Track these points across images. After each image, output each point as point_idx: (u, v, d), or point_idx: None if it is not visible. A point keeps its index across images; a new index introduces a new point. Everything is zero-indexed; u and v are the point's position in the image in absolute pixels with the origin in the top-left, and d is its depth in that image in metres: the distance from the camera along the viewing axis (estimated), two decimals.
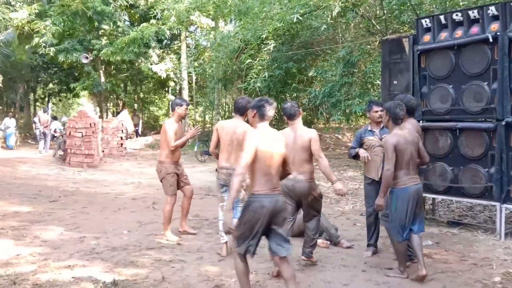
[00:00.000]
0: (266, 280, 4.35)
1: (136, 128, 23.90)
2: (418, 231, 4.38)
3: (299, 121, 4.65)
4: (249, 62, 13.24)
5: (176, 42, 23.68)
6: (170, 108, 5.85)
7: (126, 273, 4.54)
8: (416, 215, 4.37)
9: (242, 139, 4.14)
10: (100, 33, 21.54)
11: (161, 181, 5.94)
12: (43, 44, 18.84)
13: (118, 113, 22.99)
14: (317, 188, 4.67)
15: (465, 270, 4.56)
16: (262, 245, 5.45)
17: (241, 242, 3.57)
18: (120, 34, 20.54)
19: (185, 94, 21.37)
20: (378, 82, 11.21)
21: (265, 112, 3.67)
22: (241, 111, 5.09)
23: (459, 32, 5.98)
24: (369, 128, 5.20)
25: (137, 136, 23.40)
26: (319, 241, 5.46)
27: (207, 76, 18.89)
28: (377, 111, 5.14)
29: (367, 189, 5.21)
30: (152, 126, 30.21)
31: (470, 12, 5.90)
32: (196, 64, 19.46)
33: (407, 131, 4.41)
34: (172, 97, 23.83)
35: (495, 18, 5.64)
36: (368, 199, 5.18)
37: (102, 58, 20.39)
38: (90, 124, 13.90)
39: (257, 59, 13.10)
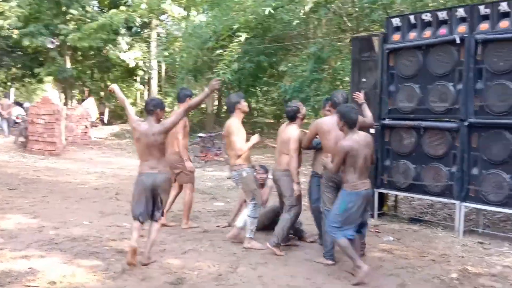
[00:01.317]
0: (228, 273, 4.32)
1: (102, 116, 23.40)
2: (363, 232, 4.52)
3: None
4: (220, 53, 13.13)
5: (146, 31, 23.24)
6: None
7: (85, 265, 4.43)
8: (364, 217, 4.49)
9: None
10: (67, 18, 20.89)
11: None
12: (7, 27, 18.18)
13: (83, 100, 22.41)
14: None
15: (424, 266, 4.66)
16: (226, 239, 5.43)
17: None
18: (88, 20, 19.98)
19: (154, 84, 21.05)
20: (348, 79, 11.30)
21: None
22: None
23: (427, 33, 6.07)
24: None
25: (102, 125, 22.91)
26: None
27: (177, 66, 18.63)
28: (329, 110, 5.13)
29: (312, 184, 5.22)
30: (119, 116, 29.63)
31: (439, 13, 5.99)
32: (166, 53, 19.14)
33: (362, 134, 4.42)
34: (141, 87, 23.40)
35: (463, 20, 5.75)
36: (312, 194, 5.21)
37: (68, 44, 19.81)
38: (54, 111, 13.49)
39: (228, 50, 12.99)
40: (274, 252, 4.89)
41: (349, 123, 4.32)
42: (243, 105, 5.21)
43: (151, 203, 4.55)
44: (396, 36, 6.38)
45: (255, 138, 5.30)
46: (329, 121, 4.81)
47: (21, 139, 14.68)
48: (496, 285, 4.13)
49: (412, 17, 6.26)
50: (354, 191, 4.28)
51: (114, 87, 4.95)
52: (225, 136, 5.23)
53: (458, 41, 5.65)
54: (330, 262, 4.69)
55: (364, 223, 4.56)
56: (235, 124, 5.12)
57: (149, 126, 4.52)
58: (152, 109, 4.58)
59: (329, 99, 5.19)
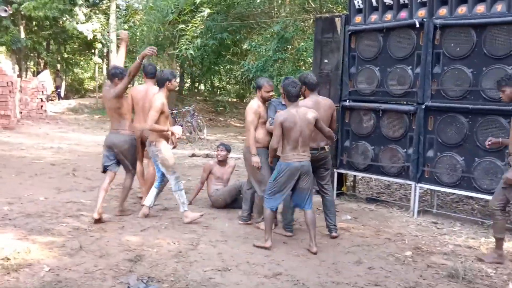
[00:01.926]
0: (188, 250, 4.33)
1: (58, 90, 22.63)
2: (308, 208, 4.59)
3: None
4: (182, 28, 12.87)
5: (105, 2, 22.47)
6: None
7: (41, 241, 4.34)
8: (302, 192, 4.56)
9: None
10: None
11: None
12: None
13: (39, 73, 21.57)
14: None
15: (379, 244, 4.82)
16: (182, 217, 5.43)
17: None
18: None
19: (113, 58, 20.46)
20: (310, 60, 11.37)
21: None
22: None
23: (388, 16, 6.15)
24: (282, 102, 5.17)
25: (59, 99, 22.18)
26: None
27: (137, 40, 18.18)
28: None
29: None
30: (76, 90, 28.74)
31: None
32: (126, 26, 18.64)
33: (302, 109, 4.52)
34: (99, 60, 22.71)
35: (423, 4, 5.85)
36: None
37: (23, 13, 18.90)
38: (7, 82, 12.91)
39: (190, 25, 12.76)
40: (259, 227, 5.05)
41: (288, 96, 4.52)
42: (174, 84, 5.28)
43: (113, 158, 5.29)
44: (358, 18, 6.44)
45: (176, 128, 5.31)
46: (308, 104, 4.86)
47: None
48: (447, 262, 4.31)
49: (374, 0, 6.32)
50: (284, 162, 4.49)
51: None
52: (147, 108, 5.26)
53: (417, 25, 5.76)
54: (289, 234, 4.96)
55: (300, 197, 4.60)
56: (161, 100, 5.08)
57: (108, 91, 5.24)
58: (112, 77, 5.25)
59: (301, 82, 5.13)
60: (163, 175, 5.31)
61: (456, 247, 4.79)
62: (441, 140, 5.70)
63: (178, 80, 5.38)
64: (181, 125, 12.89)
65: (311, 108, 4.70)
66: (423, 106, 5.78)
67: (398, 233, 5.24)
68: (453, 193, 6.29)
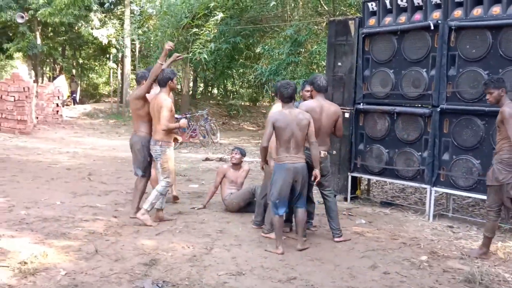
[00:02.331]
0: (203, 254, 4.34)
1: (74, 95, 22.88)
2: (300, 206, 4.62)
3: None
4: (195, 32, 12.95)
5: (119, 7, 22.69)
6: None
7: (57, 245, 4.38)
8: (298, 193, 4.57)
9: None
10: None
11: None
12: None
13: (54, 78, 21.85)
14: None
15: (394, 249, 4.77)
16: (201, 221, 5.45)
17: None
18: None
19: (128, 63, 20.67)
20: (323, 63, 11.34)
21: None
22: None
23: (402, 18, 6.12)
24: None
25: (74, 104, 22.42)
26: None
27: (151, 45, 18.31)
28: (308, 91, 5.30)
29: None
30: (91, 95, 29.03)
31: None
32: (140, 31, 18.76)
33: (295, 111, 4.55)
34: (114, 65, 22.95)
35: (437, 6, 5.81)
36: None
37: (39, 19, 19.17)
38: (24, 88, 13.12)
39: (204, 30, 12.83)
40: (270, 237, 4.90)
41: (280, 97, 4.59)
42: (175, 82, 5.35)
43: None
44: (372, 21, 6.42)
45: (182, 121, 5.44)
46: (312, 105, 4.88)
47: None
48: (464, 267, 4.25)
49: (388, 2, 6.28)
50: (278, 163, 4.55)
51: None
52: (156, 110, 5.23)
53: (432, 27, 5.72)
54: (303, 238, 4.87)
55: (293, 195, 4.60)
56: (166, 98, 5.18)
57: (132, 93, 5.63)
58: (139, 80, 5.63)
59: (309, 82, 5.17)
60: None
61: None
62: (456, 143, 5.64)
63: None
64: (194, 129, 12.96)
65: (313, 110, 4.73)
66: (438, 109, 5.73)
67: (414, 237, 5.19)
68: (469, 197, 6.22)
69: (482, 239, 4.64)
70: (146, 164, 5.53)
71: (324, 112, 4.89)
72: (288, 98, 4.55)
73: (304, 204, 4.66)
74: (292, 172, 4.49)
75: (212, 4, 12.60)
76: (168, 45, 5.33)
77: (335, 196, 5.22)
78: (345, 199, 6.70)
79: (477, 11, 5.47)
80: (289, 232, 5.13)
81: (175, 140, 5.44)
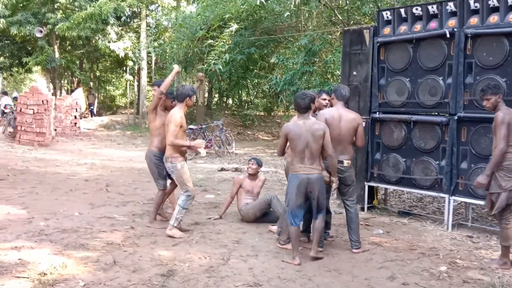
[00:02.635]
0: (219, 265, 4.34)
1: (91, 107, 23.20)
2: (319, 215, 4.59)
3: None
4: (210, 43, 13.07)
5: (135, 20, 23.03)
6: (176, 97, 5.33)
7: (76, 256, 4.42)
8: (315, 204, 4.52)
9: None
10: (55, 7, 20.61)
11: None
12: None
13: (72, 91, 22.19)
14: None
15: (413, 259, 4.71)
16: (217, 231, 5.46)
17: None
18: (76, 9, 19.71)
19: (144, 75, 20.91)
20: (338, 72, 11.34)
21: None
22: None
23: (418, 26, 6.10)
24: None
25: (92, 116, 22.73)
26: (273, 227, 5.51)
27: (167, 57, 18.51)
28: (325, 99, 5.39)
29: None
30: (108, 106, 29.38)
31: (429, 7, 6.01)
32: (156, 44, 18.99)
33: (310, 121, 4.54)
34: (130, 77, 23.25)
35: (453, 14, 5.78)
36: None
37: (57, 33, 19.55)
38: (43, 101, 13.36)
39: (219, 41, 12.94)
40: (287, 248, 4.87)
41: (296, 107, 4.61)
42: (193, 100, 5.35)
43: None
44: (387, 30, 6.41)
45: (197, 142, 5.39)
46: (332, 112, 4.91)
47: (10, 129, 14.55)
48: (484, 278, 4.18)
49: (402, 11, 6.28)
50: (292, 174, 4.54)
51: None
52: (167, 125, 5.24)
53: (448, 35, 5.69)
54: (319, 249, 4.81)
55: (317, 208, 4.57)
56: (179, 114, 5.17)
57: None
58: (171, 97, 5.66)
59: (333, 90, 5.18)
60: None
61: None
62: (475, 152, 5.57)
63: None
64: (210, 140, 13.03)
65: (332, 117, 4.74)
66: (456, 117, 5.68)
67: (432, 247, 5.12)
68: None
69: (500, 249, 4.57)
70: (159, 178, 5.57)
71: (342, 121, 4.87)
72: (305, 109, 4.55)
73: (323, 212, 4.63)
74: (306, 183, 4.47)
75: (227, 16, 12.71)
76: (176, 68, 5.69)
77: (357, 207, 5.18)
78: (362, 209, 6.64)
79: (494, 18, 5.43)
80: (306, 242, 5.10)
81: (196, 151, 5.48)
